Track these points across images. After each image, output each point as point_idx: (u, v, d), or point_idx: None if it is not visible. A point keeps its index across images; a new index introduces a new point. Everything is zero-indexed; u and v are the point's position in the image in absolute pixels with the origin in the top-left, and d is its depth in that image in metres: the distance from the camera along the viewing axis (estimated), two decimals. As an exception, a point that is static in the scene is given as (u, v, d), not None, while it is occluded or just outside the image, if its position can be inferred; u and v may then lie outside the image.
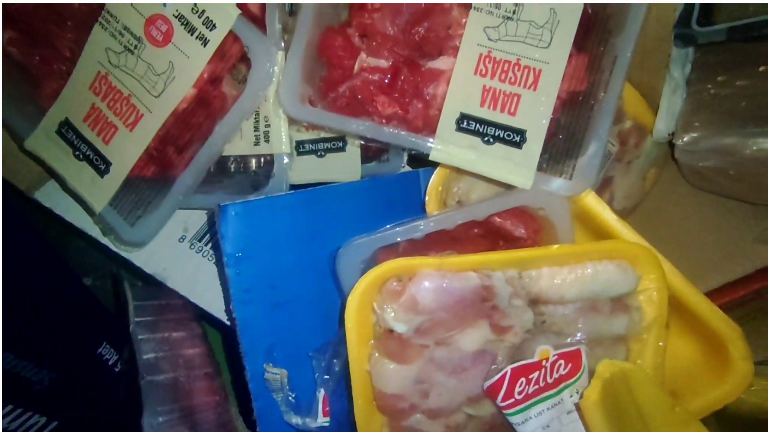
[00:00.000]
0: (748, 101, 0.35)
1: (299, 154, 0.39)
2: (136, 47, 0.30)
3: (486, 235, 0.35)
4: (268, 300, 0.33)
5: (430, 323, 0.28)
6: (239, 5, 0.32)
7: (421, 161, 0.38)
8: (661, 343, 0.30)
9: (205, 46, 0.29)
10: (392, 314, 0.28)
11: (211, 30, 0.29)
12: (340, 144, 0.39)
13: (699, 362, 0.34)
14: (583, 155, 0.31)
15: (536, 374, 0.29)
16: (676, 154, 0.38)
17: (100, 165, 0.33)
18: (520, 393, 0.28)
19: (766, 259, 0.35)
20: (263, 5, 0.33)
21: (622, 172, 0.43)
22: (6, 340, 0.36)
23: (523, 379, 0.28)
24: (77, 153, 0.33)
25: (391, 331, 0.29)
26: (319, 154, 0.39)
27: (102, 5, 0.30)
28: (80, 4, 0.31)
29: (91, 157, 0.33)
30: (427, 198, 0.36)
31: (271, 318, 0.33)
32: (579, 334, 0.30)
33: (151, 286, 0.42)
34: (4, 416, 0.36)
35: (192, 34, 0.29)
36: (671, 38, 0.37)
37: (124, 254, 0.39)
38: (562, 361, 0.29)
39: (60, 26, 0.31)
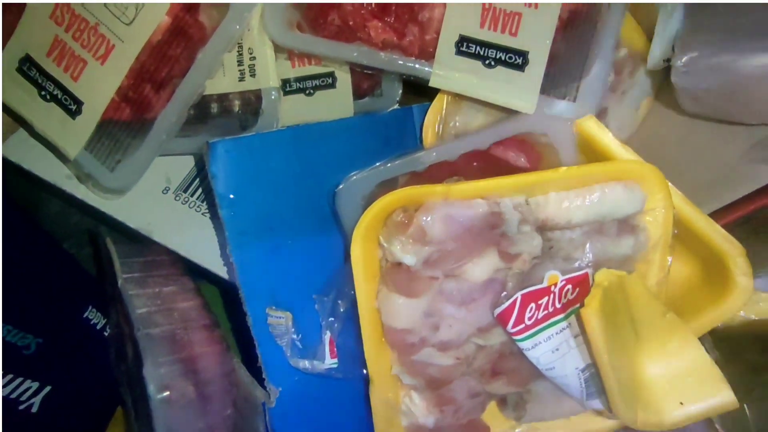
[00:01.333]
0: (746, 18, 0.35)
1: (286, 93, 0.36)
2: (99, -33, 0.27)
3: (487, 167, 0.34)
4: (267, 242, 0.31)
5: (439, 254, 0.28)
6: None
7: (417, 93, 0.37)
8: (669, 259, 0.30)
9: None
10: (400, 246, 0.27)
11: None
12: (330, 80, 0.37)
13: (699, 282, 0.34)
14: (587, 76, 0.30)
15: (545, 300, 0.29)
16: (673, 78, 0.37)
17: (71, 105, 0.30)
18: (530, 319, 0.28)
19: (763, 179, 0.35)
20: None
21: (615, 103, 0.42)
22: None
23: (532, 305, 0.28)
24: (43, 93, 0.30)
25: (399, 264, 0.28)
26: (307, 92, 0.37)
27: None
28: None
29: (59, 96, 0.30)
30: (424, 132, 0.35)
31: (271, 260, 0.31)
32: (587, 258, 0.30)
33: (135, 242, 0.40)
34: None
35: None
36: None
37: (104, 209, 0.36)
38: (570, 286, 0.29)
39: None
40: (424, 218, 0.27)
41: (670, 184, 0.31)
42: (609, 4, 0.30)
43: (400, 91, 0.37)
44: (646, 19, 0.40)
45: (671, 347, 0.30)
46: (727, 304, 0.32)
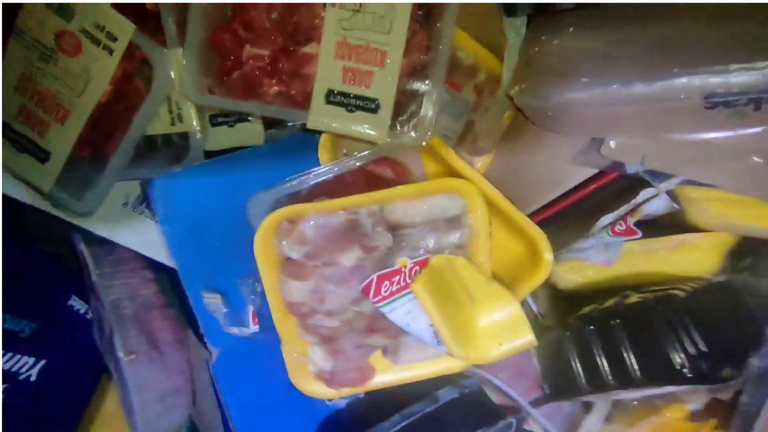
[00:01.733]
0: (558, 58, 0.45)
1: (213, 125, 0.47)
2: (51, 56, 0.37)
3: (367, 179, 0.46)
4: (199, 245, 0.43)
5: (315, 250, 0.39)
6: (138, 8, 0.39)
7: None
8: (489, 245, 0.42)
9: (111, 54, 0.36)
10: (287, 245, 0.39)
11: (113, 41, 0.36)
12: (245, 115, 0.47)
13: (525, 260, 0.46)
14: (420, 114, 0.41)
15: (397, 278, 0.41)
16: (515, 100, 0.48)
17: (41, 155, 0.40)
18: (386, 291, 0.40)
19: (572, 180, 0.47)
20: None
21: (481, 117, 0.53)
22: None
23: (387, 282, 0.40)
24: (18, 146, 0.40)
25: (288, 258, 0.40)
26: (229, 124, 0.47)
27: (13, 21, 0.36)
28: None
29: (30, 149, 0.40)
30: (319, 153, 0.46)
31: (203, 258, 0.43)
32: (428, 247, 0.42)
33: (104, 244, 0.51)
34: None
35: (98, 46, 0.36)
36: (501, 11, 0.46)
37: (76, 222, 0.47)
38: (417, 267, 0.41)
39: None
40: (302, 226, 0.39)
41: (494, 188, 0.43)
42: (435, 63, 0.40)
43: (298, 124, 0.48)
44: (500, 50, 0.51)
45: (495, 306, 0.42)
46: (540, 273, 0.44)
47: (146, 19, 0.39)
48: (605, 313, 0.46)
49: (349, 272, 0.41)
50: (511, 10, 0.45)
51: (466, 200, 0.41)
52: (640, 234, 0.46)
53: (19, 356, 0.49)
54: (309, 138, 0.48)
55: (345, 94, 0.40)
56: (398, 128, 0.41)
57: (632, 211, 0.46)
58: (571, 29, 0.46)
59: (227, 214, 0.43)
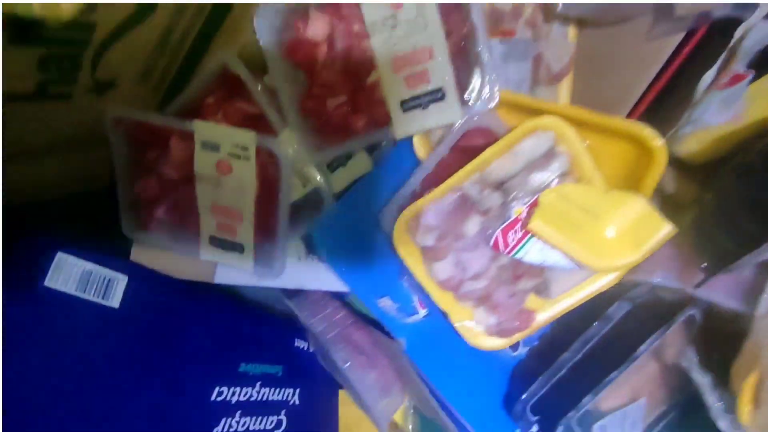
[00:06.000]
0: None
1: (332, 172, 0.58)
2: (218, 181, 0.52)
3: (463, 154, 0.52)
4: (360, 267, 0.54)
5: (442, 232, 0.47)
6: (243, 113, 0.53)
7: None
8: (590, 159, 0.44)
9: (249, 160, 0.50)
10: (419, 237, 0.47)
11: (246, 150, 0.50)
12: (350, 153, 0.58)
13: (634, 160, 0.46)
14: (484, 78, 0.46)
15: (518, 225, 0.46)
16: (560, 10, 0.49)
17: (238, 249, 0.56)
18: (512, 240, 0.46)
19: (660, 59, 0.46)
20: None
21: (546, 45, 0.54)
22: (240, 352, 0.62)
23: (510, 232, 0.46)
24: (225, 248, 0.57)
25: (424, 247, 0.48)
26: (342, 165, 0.58)
27: (191, 171, 0.53)
28: (176, 175, 0.55)
29: (230, 247, 0.56)
30: (416, 150, 0.54)
31: (366, 275, 0.54)
32: (535, 188, 0.46)
33: (297, 294, 0.66)
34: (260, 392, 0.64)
35: (239, 159, 0.50)
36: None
37: (276, 285, 0.62)
38: (529, 209, 0.46)
39: (176, 191, 0.55)
40: (424, 218, 0.47)
41: (572, 108, 0.45)
42: (474, 26, 0.45)
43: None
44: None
45: (620, 211, 0.43)
46: (656, 163, 0.44)
47: (256, 120, 0.53)
48: (747, 166, 0.43)
49: (477, 238, 0.47)
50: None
51: (550, 132, 0.44)
52: (752, 74, 0.43)
53: (282, 389, 0.66)
54: (404, 144, 0.56)
55: (414, 98, 0.48)
56: (470, 101, 0.47)
57: (731, 57, 0.43)
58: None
59: (370, 233, 0.54)
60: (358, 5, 0.47)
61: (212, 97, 0.55)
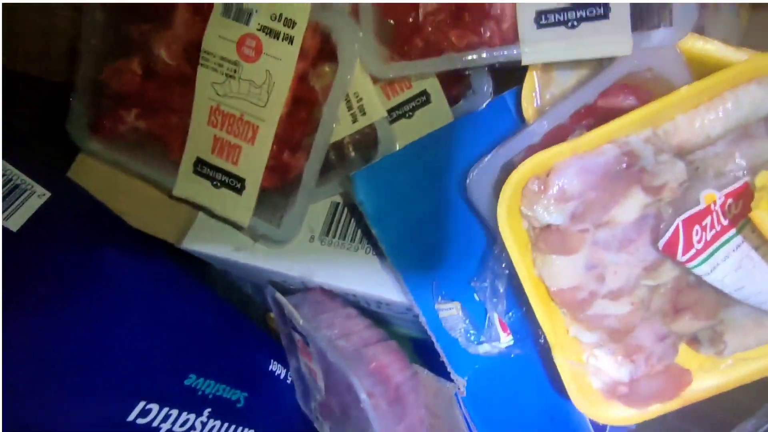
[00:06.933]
0: None
1: (390, 122, 0.41)
2: (235, 71, 0.34)
3: (598, 122, 0.35)
4: (417, 246, 0.35)
5: (584, 206, 0.29)
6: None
7: (504, 84, 0.39)
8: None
9: (291, 43, 0.33)
10: (543, 209, 0.29)
11: (292, 27, 0.32)
12: (424, 98, 0.40)
13: None
14: (676, -3, 0.30)
15: (709, 219, 0.28)
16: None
17: (237, 185, 0.37)
18: (699, 242, 0.28)
19: None
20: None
21: (712, 18, 0.40)
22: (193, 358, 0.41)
23: (697, 227, 0.28)
24: (215, 183, 0.37)
25: (548, 227, 0.29)
26: (407, 115, 0.41)
27: (198, 48, 0.34)
28: (172, 62, 0.36)
29: (227, 181, 0.37)
30: (524, 111, 0.37)
31: (425, 261, 0.35)
32: (740, 167, 0.29)
33: (296, 292, 0.46)
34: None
35: (278, 39, 0.33)
36: None
37: (269, 267, 0.42)
38: (731, 200, 0.28)
39: (168, 87, 0.36)
40: (558, 178, 0.29)
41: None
42: None
43: (490, 85, 0.40)
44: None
45: None
46: None
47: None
48: None
49: (634, 228, 0.29)
50: None
51: (784, 85, 0.28)
52: None
53: (241, 428, 0.45)
54: (502, 102, 0.39)
55: (561, 9, 0.31)
56: (642, 27, 0.31)
57: None
58: None
59: (442, 202, 0.35)
60: None
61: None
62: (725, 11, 0.41)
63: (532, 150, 0.32)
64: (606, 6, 0.31)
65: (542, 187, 0.29)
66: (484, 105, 0.40)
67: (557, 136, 0.33)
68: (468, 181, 0.33)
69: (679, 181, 0.29)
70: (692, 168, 0.29)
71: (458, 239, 0.35)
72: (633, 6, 0.30)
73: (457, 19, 0.34)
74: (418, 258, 0.34)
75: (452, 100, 0.41)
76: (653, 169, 0.29)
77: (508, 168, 0.32)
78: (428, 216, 0.35)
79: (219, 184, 0.37)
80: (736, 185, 0.28)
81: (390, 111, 0.41)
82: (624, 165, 0.28)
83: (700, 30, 0.41)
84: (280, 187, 0.38)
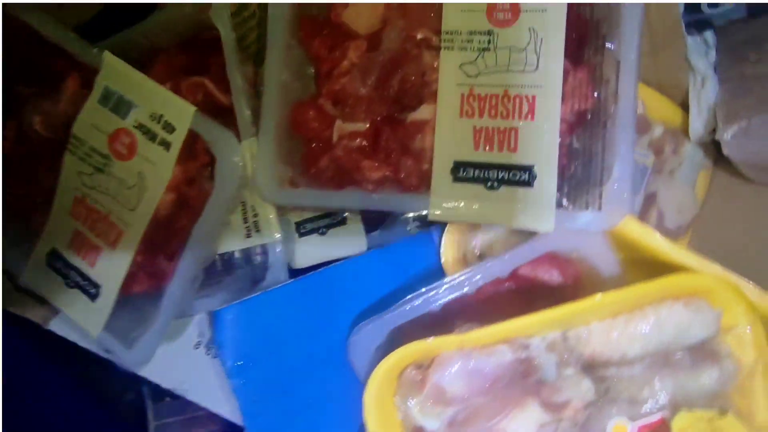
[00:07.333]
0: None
1: (301, 235, 0.36)
2: (105, 165, 0.29)
3: (518, 289, 0.30)
4: (282, 408, 0.29)
5: (467, 413, 0.23)
6: (206, 99, 0.32)
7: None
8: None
9: (168, 150, 0.28)
10: (418, 409, 0.23)
11: (171, 133, 0.28)
12: (340, 218, 0.36)
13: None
14: (609, 179, 0.26)
15: (615, 460, 0.23)
16: (725, 151, 0.32)
17: (90, 289, 0.31)
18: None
19: None
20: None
21: (665, 185, 0.37)
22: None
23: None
24: (68, 281, 0.32)
25: (419, 428, 0.24)
26: (320, 232, 0.36)
27: (68, 132, 0.30)
28: (46, 135, 0.32)
29: (80, 283, 0.31)
30: (443, 258, 0.32)
31: (288, 429, 0.28)
32: (659, 398, 0.24)
33: (177, 399, 0.39)
34: None
35: (154, 141, 0.28)
36: (682, 28, 0.32)
37: (138, 372, 0.36)
38: (644, 436, 0.23)
39: (36, 159, 0.31)
40: (440, 374, 0.23)
41: (749, 283, 0.25)
42: (616, 98, 0.27)
43: (412, 217, 0.36)
44: (676, 90, 0.37)
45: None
46: None
47: (217, 112, 0.31)
48: None
49: (525, 452, 0.23)
50: (700, 23, 0.31)
51: (718, 311, 0.24)
52: None
53: None
54: (426, 240, 0.35)
55: (481, 165, 0.27)
56: (568, 205, 0.27)
57: None
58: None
59: (324, 355, 0.30)
60: (439, 5, 0.29)
61: (170, 54, 0.34)
62: (680, 180, 0.38)
63: (415, 327, 0.26)
64: (531, 173, 0.27)
65: (420, 379, 0.24)
66: (404, 239, 0.36)
67: (465, 301, 0.28)
68: (350, 340, 0.28)
69: (584, 401, 0.23)
70: (602, 387, 0.24)
71: (334, 406, 0.29)
72: (560, 181, 0.26)
73: (374, 148, 0.30)
74: (278, 424, 0.28)
75: (370, 226, 0.36)
76: (555, 382, 0.23)
77: (397, 338, 0.27)
78: (303, 372, 0.29)
79: (72, 284, 0.31)
80: (652, 419, 0.23)
81: (301, 223, 0.36)
82: (519, 373, 0.23)
83: (652, 196, 0.38)
84: (146, 294, 0.32)
